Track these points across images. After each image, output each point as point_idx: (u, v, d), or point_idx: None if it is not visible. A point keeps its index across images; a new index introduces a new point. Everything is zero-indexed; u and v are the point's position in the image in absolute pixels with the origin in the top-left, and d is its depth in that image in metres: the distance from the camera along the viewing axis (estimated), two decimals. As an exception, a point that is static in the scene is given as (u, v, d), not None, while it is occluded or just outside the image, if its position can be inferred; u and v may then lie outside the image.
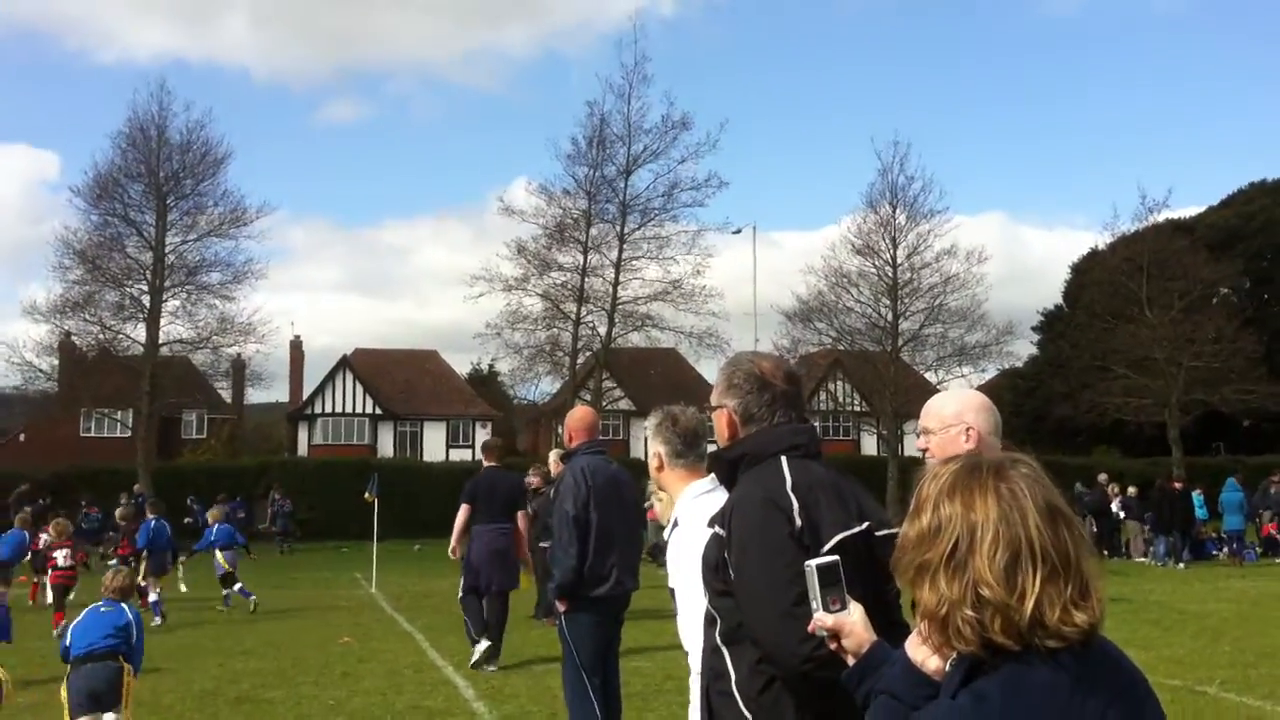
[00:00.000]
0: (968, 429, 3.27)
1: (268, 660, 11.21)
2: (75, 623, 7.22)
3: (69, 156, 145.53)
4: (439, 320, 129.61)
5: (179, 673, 10.51)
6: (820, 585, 2.41)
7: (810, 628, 2.44)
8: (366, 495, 20.23)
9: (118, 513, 20.12)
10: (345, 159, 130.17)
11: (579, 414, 7.16)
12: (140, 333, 40.28)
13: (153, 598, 15.14)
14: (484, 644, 10.56)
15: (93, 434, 52.98)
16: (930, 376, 42.46)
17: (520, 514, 11.59)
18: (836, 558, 2.47)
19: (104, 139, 72.37)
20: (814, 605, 2.42)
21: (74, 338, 41.55)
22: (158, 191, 40.27)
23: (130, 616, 7.27)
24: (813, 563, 2.44)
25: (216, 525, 17.29)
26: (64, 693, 6.92)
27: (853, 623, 2.37)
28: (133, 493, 31.29)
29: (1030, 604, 1.75)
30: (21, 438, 57.89)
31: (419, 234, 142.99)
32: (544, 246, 42.80)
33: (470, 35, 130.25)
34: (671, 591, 3.74)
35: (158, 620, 14.75)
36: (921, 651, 1.96)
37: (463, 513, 11.31)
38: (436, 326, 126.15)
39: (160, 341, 40.07)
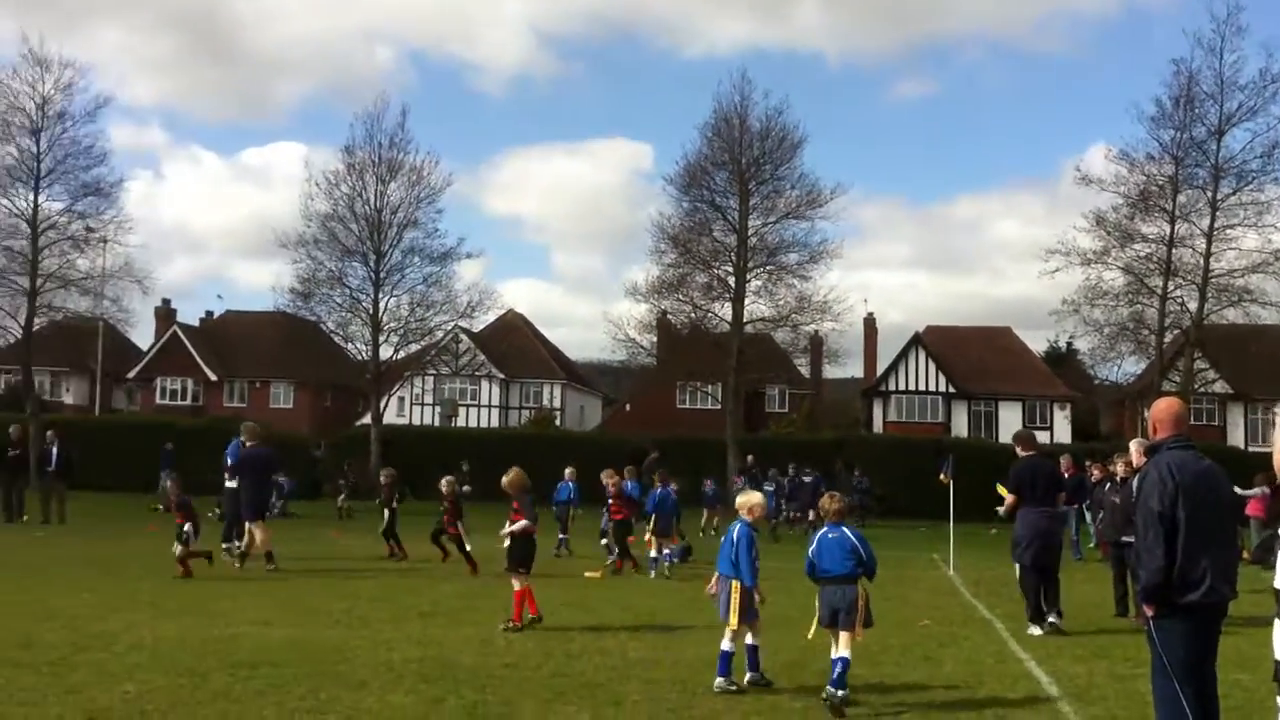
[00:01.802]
0: None
1: (850, 636, 11.67)
2: (814, 546, 8.53)
3: (660, 147, 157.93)
4: (1012, 296, 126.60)
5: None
6: None
7: None
8: (942, 477, 20.35)
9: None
10: (915, 135, 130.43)
11: (1164, 405, 6.83)
12: (726, 311, 43.12)
13: (653, 554, 17.81)
14: (1037, 630, 12.06)
15: (687, 405, 57.33)
16: None
17: (1059, 496, 12.96)
18: None
19: (691, 130, 78.03)
20: None
21: (669, 316, 45.29)
22: (740, 177, 42.83)
23: (854, 538, 8.43)
24: None
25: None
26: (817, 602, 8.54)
27: None
28: (747, 463, 33.61)
29: None
30: (628, 408, 63.93)
31: (990, 208, 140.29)
32: (1125, 217, 40.59)
33: (1043, 0, 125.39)
34: (1276, 593, 3.53)
35: (663, 575, 17.39)
36: None
37: (1010, 500, 12.63)
38: (1009, 302, 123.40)
39: (745, 320, 42.66)
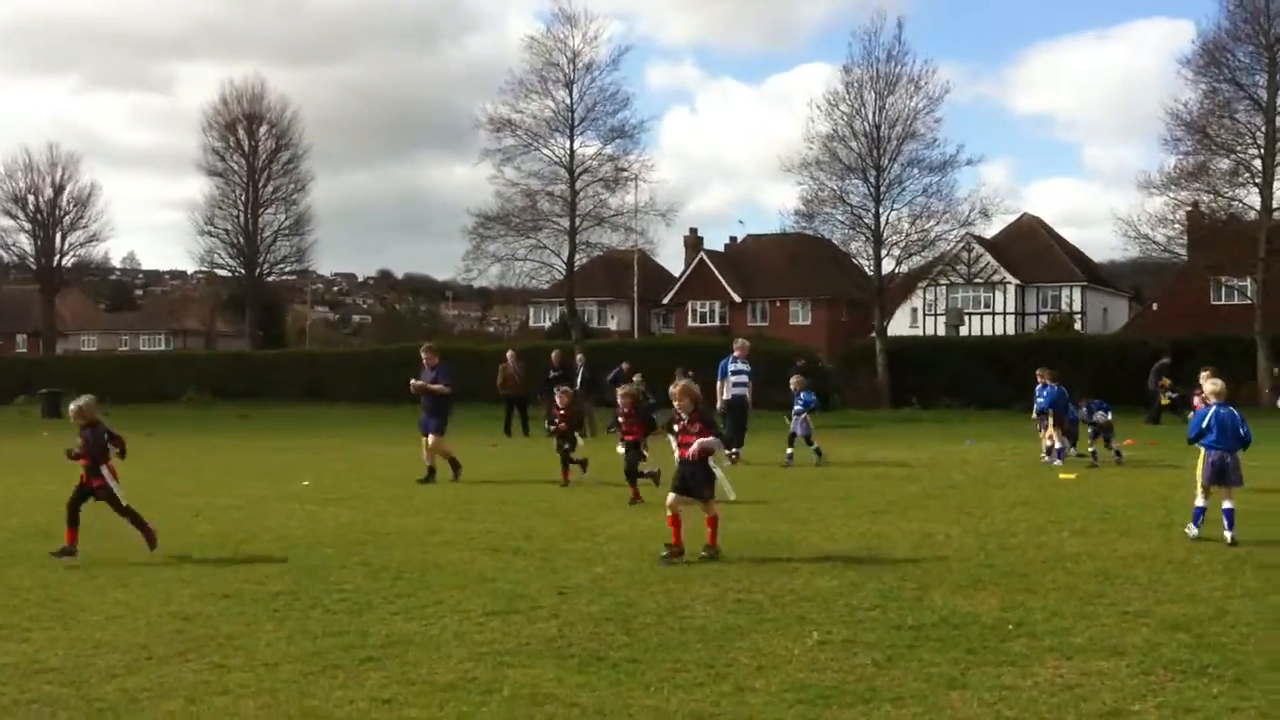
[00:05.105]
0: None
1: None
2: (1208, 418, 10.79)
3: (1205, 23, 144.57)
4: None
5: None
6: None
7: None
8: None
9: None
10: None
11: None
12: (1254, 199, 39.66)
13: (1058, 445, 19.35)
14: None
15: (1223, 301, 53.15)
16: None
17: None
18: None
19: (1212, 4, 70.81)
20: None
21: (1190, 208, 42.30)
22: (1268, 50, 38.95)
23: (1238, 415, 10.78)
24: None
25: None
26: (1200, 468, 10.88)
27: None
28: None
29: None
30: (1154, 307, 60.30)
31: None
32: None
33: None
34: None
35: (1056, 461, 18.99)
36: None
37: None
38: None
39: (1274, 206, 39.01)
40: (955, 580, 9.13)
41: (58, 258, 71.19)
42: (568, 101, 47.93)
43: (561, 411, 17.16)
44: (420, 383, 18.02)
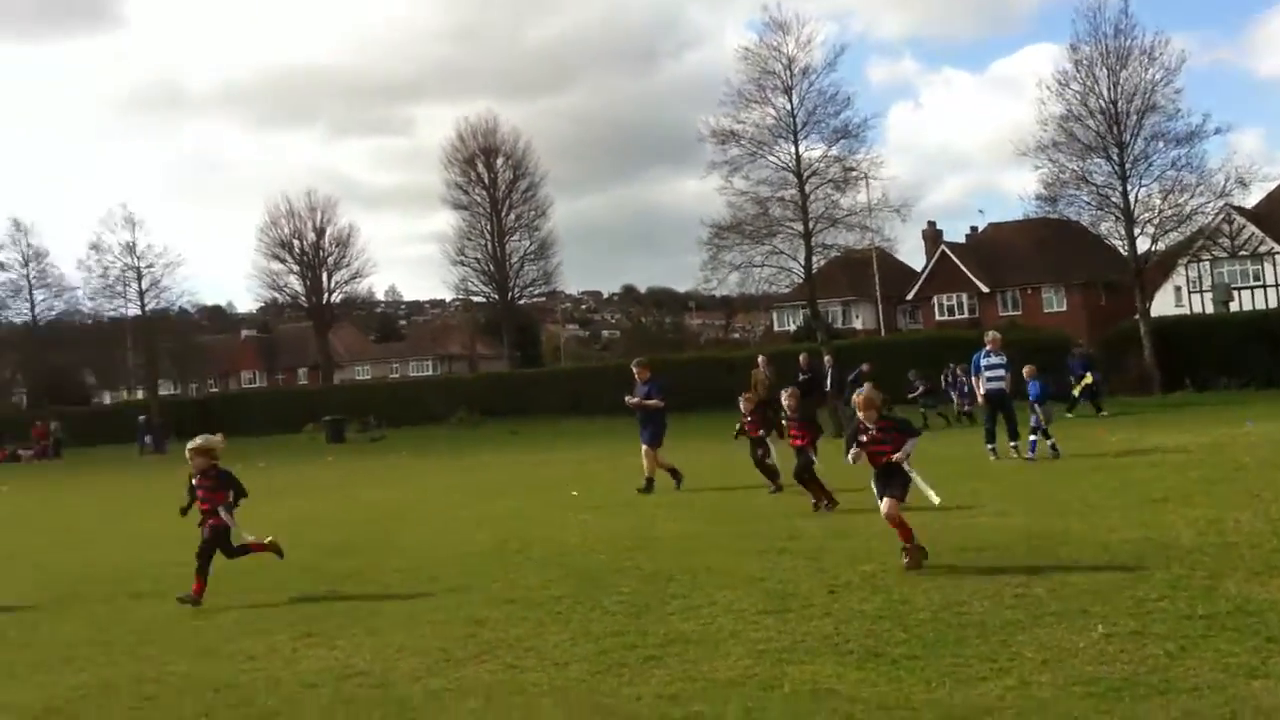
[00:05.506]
0: None
1: None
2: None
3: None
4: None
5: None
6: None
7: None
8: None
9: None
10: None
11: None
12: None
13: None
14: None
15: None
16: None
17: None
18: None
19: None
20: None
21: None
22: None
23: None
24: None
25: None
26: None
27: None
28: None
29: None
30: None
31: None
32: None
33: None
34: None
35: None
36: None
37: None
38: None
39: None
40: (1248, 567, 8.69)
41: (326, 295, 75.79)
42: (788, 107, 48.02)
43: (748, 419, 16.46)
44: (635, 399, 18.52)
